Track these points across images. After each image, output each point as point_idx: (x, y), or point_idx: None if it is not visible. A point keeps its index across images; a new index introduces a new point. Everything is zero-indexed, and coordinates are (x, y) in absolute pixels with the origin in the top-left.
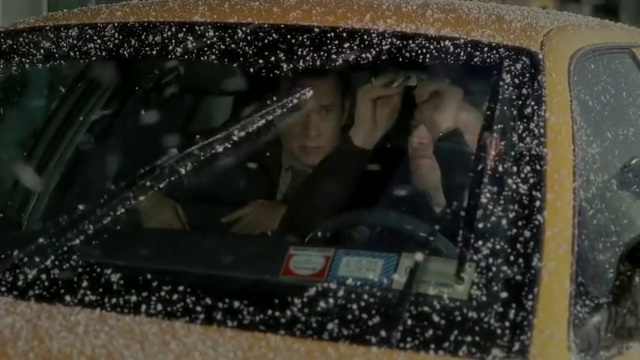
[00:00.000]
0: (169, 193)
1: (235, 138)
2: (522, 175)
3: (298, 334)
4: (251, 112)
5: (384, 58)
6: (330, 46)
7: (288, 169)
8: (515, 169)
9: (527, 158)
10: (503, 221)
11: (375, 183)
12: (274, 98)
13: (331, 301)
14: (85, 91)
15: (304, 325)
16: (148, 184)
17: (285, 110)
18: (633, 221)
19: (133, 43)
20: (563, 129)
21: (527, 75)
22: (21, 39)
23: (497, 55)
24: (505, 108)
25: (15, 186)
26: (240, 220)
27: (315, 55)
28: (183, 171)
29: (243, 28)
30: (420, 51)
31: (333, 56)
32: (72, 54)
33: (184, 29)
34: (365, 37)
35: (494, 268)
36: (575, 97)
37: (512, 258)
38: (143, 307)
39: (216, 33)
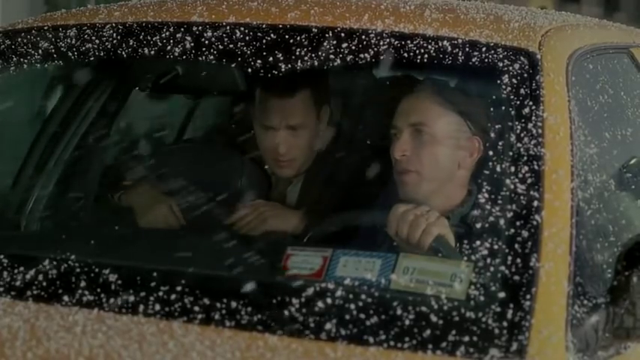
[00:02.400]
0: (164, 191)
1: (233, 140)
2: (520, 175)
3: (296, 335)
4: (245, 115)
5: (381, 58)
6: (328, 46)
7: (272, 174)
8: (513, 169)
9: (525, 158)
10: (501, 221)
11: (358, 192)
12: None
13: (329, 301)
14: (84, 91)
15: (302, 325)
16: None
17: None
18: (631, 221)
19: (131, 44)
20: (561, 129)
21: (525, 75)
22: (20, 39)
23: (495, 56)
24: (503, 108)
25: (14, 186)
26: (240, 220)
27: (313, 55)
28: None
29: (242, 29)
30: (418, 51)
31: (332, 56)
32: (70, 54)
33: (182, 29)
34: (363, 37)
35: (492, 268)
36: (573, 98)
37: (510, 258)
38: (141, 307)
39: (215, 33)
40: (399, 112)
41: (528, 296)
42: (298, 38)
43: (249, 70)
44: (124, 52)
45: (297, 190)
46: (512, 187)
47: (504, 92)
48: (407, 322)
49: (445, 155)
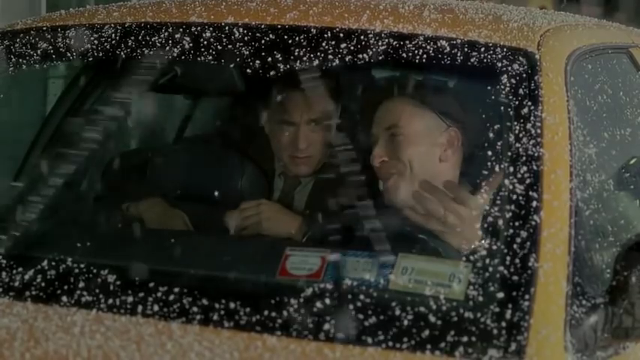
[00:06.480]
0: (174, 203)
1: (232, 141)
2: (519, 176)
3: (294, 335)
4: (245, 116)
5: (380, 58)
6: (326, 47)
7: (280, 175)
8: (511, 169)
9: (524, 158)
10: (500, 221)
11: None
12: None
13: (328, 301)
14: (83, 91)
15: (300, 326)
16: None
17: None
18: (630, 221)
19: (130, 44)
20: (560, 129)
21: (524, 75)
22: (19, 39)
23: (494, 56)
24: (502, 108)
25: (12, 186)
26: (240, 216)
27: (312, 55)
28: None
29: (240, 29)
30: (416, 51)
31: (330, 57)
32: (69, 54)
33: (181, 30)
34: (362, 37)
35: (490, 269)
36: (572, 98)
37: (508, 258)
38: (139, 308)
39: (213, 34)
40: (375, 120)
41: (527, 296)
42: (297, 38)
43: (248, 70)
44: (122, 53)
45: (306, 192)
46: (510, 187)
47: (503, 92)
48: (405, 323)
49: (423, 152)
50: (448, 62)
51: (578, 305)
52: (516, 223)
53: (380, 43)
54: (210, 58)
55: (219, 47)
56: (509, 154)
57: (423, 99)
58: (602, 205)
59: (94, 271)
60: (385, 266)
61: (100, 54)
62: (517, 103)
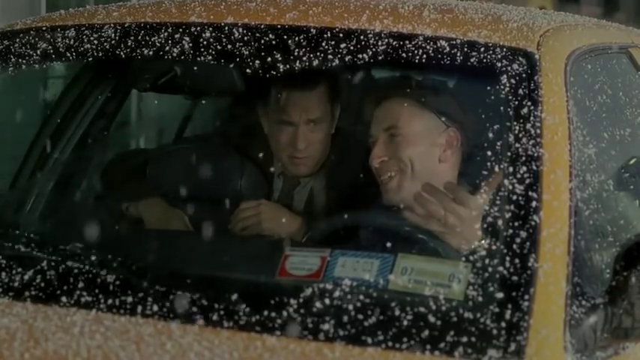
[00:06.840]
0: (174, 203)
1: (232, 141)
2: (518, 176)
3: (294, 335)
4: (245, 116)
5: (380, 58)
6: (326, 47)
7: (280, 175)
8: (511, 169)
9: (524, 159)
10: (500, 222)
11: (367, 196)
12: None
13: (327, 301)
14: (82, 92)
15: (300, 326)
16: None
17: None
18: (630, 221)
19: (129, 44)
20: (560, 129)
21: (524, 75)
22: (19, 39)
23: (493, 56)
24: (501, 108)
25: (12, 186)
26: (239, 217)
27: (311, 55)
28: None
29: (240, 29)
30: (416, 51)
31: (330, 57)
32: (69, 55)
33: (181, 30)
34: (361, 37)
35: (490, 269)
36: (572, 98)
37: (508, 258)
38: (139, 308)
39: (213, 34)
40: (374, 120)
41: (526, 296)
42: (297, 38)
43: (248, 70)
44: (122, 53)
45: (305, 192)
46: (510, 187)
47: (503, 92)
48: (405, 323)
49: (422, 152)
50: (448, 62)
51: (577, 305)
52: (516, 223)
53: (380, 43)
54: (210, 58)
55: (218, 47)
56: (509, 154)
57: (423, 99)
58: (601, 205)
59: (94, 271)
60: (385, 266)
61: (100, 54)
62: (517, 103)
